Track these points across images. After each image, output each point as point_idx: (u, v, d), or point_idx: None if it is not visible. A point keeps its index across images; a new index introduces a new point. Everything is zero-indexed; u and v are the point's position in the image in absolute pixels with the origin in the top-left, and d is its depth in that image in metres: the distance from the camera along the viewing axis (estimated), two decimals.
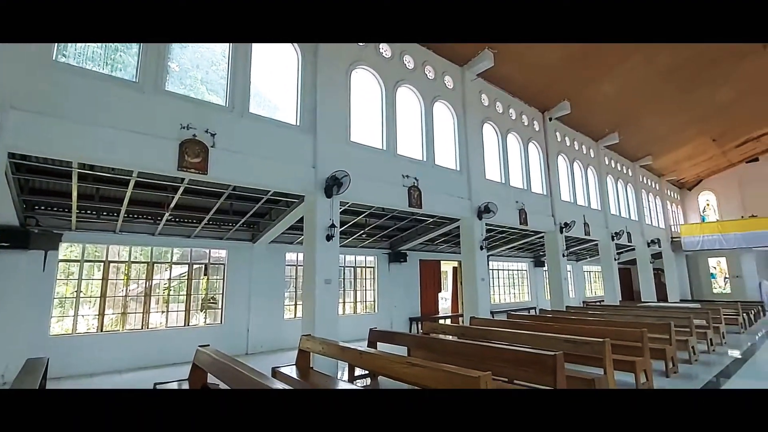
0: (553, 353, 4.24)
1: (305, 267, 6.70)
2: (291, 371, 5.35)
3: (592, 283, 21.51)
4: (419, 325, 11.56)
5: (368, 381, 6.11)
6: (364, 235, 10.40)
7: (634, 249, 16.73)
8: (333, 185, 6.45)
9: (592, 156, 14.68)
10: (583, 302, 17.79)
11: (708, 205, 21.66)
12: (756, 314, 14.22)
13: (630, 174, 17.15)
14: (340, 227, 7.14)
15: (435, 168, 8.76)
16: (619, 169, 16.49)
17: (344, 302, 11.05)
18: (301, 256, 9.38)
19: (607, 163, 15.47)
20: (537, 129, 12.16)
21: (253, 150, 5.97)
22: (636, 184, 17.29)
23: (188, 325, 8.46)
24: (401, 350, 6.01)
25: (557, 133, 12.88)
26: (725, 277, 20.77)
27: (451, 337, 7.24)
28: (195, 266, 8.89)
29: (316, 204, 6.49)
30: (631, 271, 20.26)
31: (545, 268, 14.38)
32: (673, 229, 19.96)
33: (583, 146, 14.26)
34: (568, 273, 18.01)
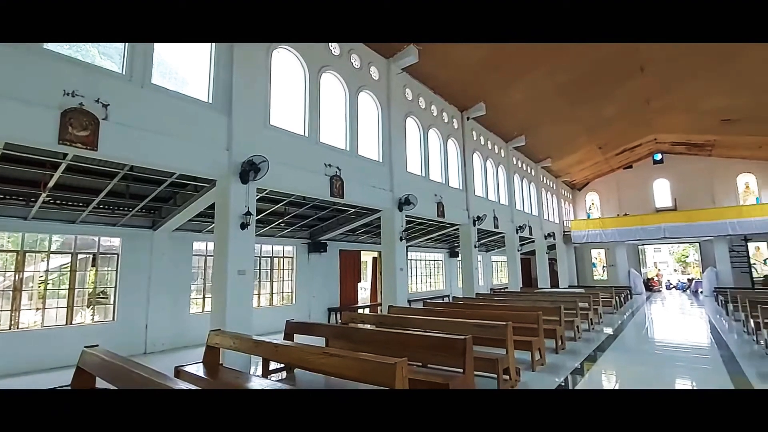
0: (463, 337, 4.52)
1: (216, 257, 6.22)
2: (197, 369, 4.94)
3: (499, 272, 23.51)
4: (338, 316, 11.55)
5: (284, 375, 5.93)
6: (282, 224, 10.02)
7: (534, 241, 18.61)
8: (250, 170, 6.06)
9: (503, 155, 15.92)
10: (491, 289, 19.36)
11: (593, 204, 24.94)
12: (625, 297, 16.85)
13: (533, 174, 18.98)
14: (257, 215, 6.76)
15: (358, 158, 8.73)
16: (525, 168, 18.14)
17: (260, 294, 10.58)
18: (211, 245, 8.70)
19: (515, 162, 16.90)
20: (456, 127, 12.79)
21: (155, 126, 5.32)
22: (538, 183, 19.20)
23: (71, 323, 7.36)
24: (320, 341, 5.93)
25: (473, 132, 13.70)
26: (603, 266, 24.20)
27: (369, 326, 7.33)
28: (80, 256, 7.75)
29: (230, 190, 6.04)
30: (530, 261, 22.54)
31: (459, 258, 15.31)
32: (565, 224, 22.63)
33: (495, 146, 15.38)
34: (479, 263, 19.42)
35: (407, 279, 12.10)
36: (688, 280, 23.78)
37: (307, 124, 7.67)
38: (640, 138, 19.48)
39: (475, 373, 4.76)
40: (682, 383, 5.77)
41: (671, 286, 24.77)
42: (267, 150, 6.36)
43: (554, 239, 20.13)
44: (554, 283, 20.42)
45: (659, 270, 29.02)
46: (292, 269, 11.47)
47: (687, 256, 29.55)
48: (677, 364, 6.95)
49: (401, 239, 9.30)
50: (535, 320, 6.65)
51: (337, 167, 7.95)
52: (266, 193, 7.53)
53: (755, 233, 17.78)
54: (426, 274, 17.60)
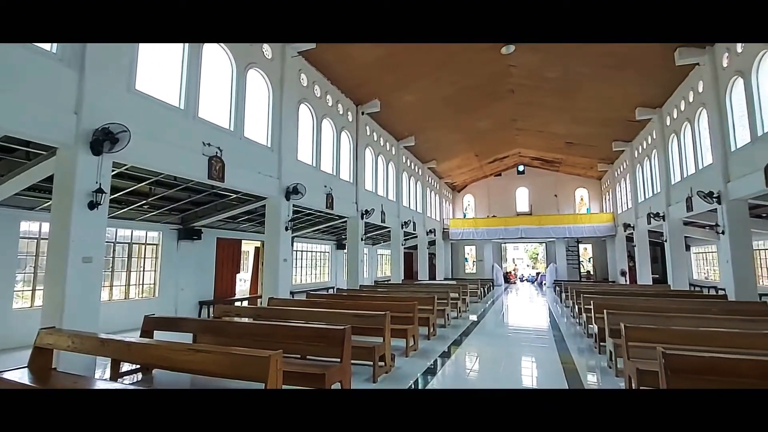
0: (342, 327, 4.56)
1: (52, 241, 5.12)
2: (21, 376, 4.02)
3: (384, 265, 24.55)
4: (211, 309, 10.64)
5: (139, 376, 5.20)
6: (146, 206, 8.78)
7: (416, 236, 19.89)
8: (105, 140, 5.12)
9: (394, 153, 16.59)
10: (375, 281, 20.11)
11: (469, 205, 27.75)
12: (488, 288, 19.21)
13: (420, 173, 20.23)
14: (112, 194, 5.78)
15: (243, 141, 8.12)
16: (413, 167, 19.22)
17: (112, 286, 9.13)
18: (46, 226, 7.13)
19: (404, 161, 17.76)
20: (350, 120, 12.85)
21: None
22: (424, 183, 20.55)
23: None
24: (186, 338, 5.37)
25: (367, 128, 13.95)
26: (473, 261, 27.17)
27: (246, 319, 6.92)
28: None
29: (77, 161, 5.02)
30: (413, 255, 24.05)
31: (346, 250, 15.51)
32: (444, 222, 24.71)
33: (387, 143, 15.94)
34: (365, 255, 19.95)
35: (291, 270, 11.77)
36: (537, 274, 28.18)
37: (183, 94, 6.83)
38: (508, 150, 22.32)
39: (353, 361, 4.85)
40: (525, 358, 6.78)
41: (524, 279, 29.07)
42: (130, 119, 5.46)
43: (435, 235, 21.81)
44: (432, 275, 22.17)
45: (516, 265, 33.82)
46: (155, 258, 10.14)
47: (537, 254, 35.06)
48: (522, 343, 8.16)
49: (287, 229, 8.98)
50: (411, 310, 7.08)
51: (219, 148, 7.27)
52: (126, 169, 6.49)
53: (584, 237, 22.14)
54: (312, 266, 17.41)
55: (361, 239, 12.87)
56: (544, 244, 27.04)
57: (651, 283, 15.35)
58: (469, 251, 27.42)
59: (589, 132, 16.94)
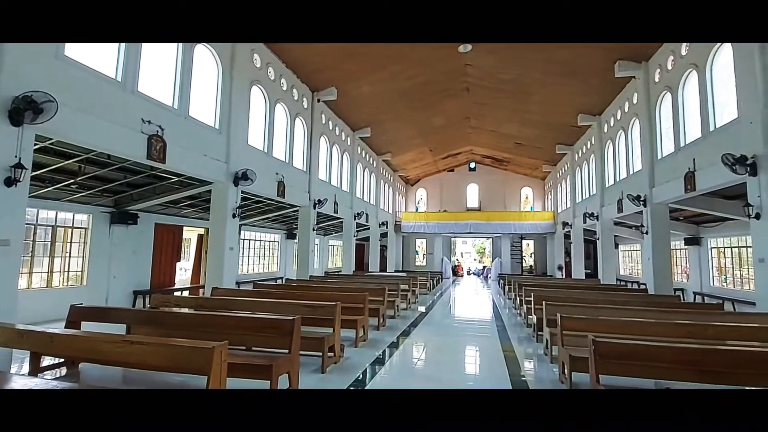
0: (291, 318, 4.46)
1: None
2: None
3: (335, 256, 24.40)
4: (147, 299, 9.97)
5: (63, 371, 4.76)
6: (74, 186, 7.99)
7: (369, 228, 19.94)
8: (26, 110, 4.56)
9: (349, 143, 16.43)
10: (325, 272, 19.94)
11: (421, 199, 28.28)
12: (437, 280, 19.78)
13: (375, 165, 20.24)
14: (35, 170, 5.19)
15: (188, 120, 7.62)
16: (368, 159, 19.18)
17: (31, 272, 8.25)
18: None
19: (359, 152, 17.66)
20: (305, 107, 12.52)
21: None
22: (378, 175, 20.59)
23: None
24: (119, 329, 4.98)
25: (323, 115, 13.67)
26: (424, 254, 27.80)
27: (187, 309, 6.56)
28: None
29: None
30: (364, 246, 24.13)
31: (296, 240, 15.21)
32: (397, 215, 25.00)
33: (343, 133, 15.75)
34: (316, 246, 19.70)
35: (238, 260, 11.32)
36: (483, 267, 29.44)
37: (121, 65, 6.25)
38: (461, 147, 22.97)
39: (301, 352, 4.77)
40: (470, 347, 7.07)
41: (471, 272, 30.26)
42: (57, 88, 4.91)
43: (387, 228, 22.01)
44: (383, 267, 22.39)
45: (463, 259, 35.12)
46: (84, 243, 9.29)
47: (484, 248, 36.58)
48: (467, 333, 8.51)
49: (234, 216, 8.60)
50: (362, 300, 7.09)
51: (160, 126, 6.76)
52: (52, 144, 5.85)
53: (527, 233, 23.47)
54: (260, 255, 16.89)
55: (313, 229, 12.67)
56: (491, 239, 28.27)
57: (584, 278, 16.64)
58: (420, 244, 28.01)
59: (536, 134, 17.87)
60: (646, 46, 9.90)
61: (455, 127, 18.79)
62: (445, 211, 25.62)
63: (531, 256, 26.52)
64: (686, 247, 13.84)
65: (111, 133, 5.93)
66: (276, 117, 10.89)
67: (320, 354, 5.22)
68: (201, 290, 11.41)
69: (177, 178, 8.62)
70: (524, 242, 25.89)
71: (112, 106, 5.99)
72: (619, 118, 12.60)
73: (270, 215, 13.89)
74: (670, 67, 9.42)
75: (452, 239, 28.18)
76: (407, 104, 14.85)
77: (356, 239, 17.70)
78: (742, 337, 5.16)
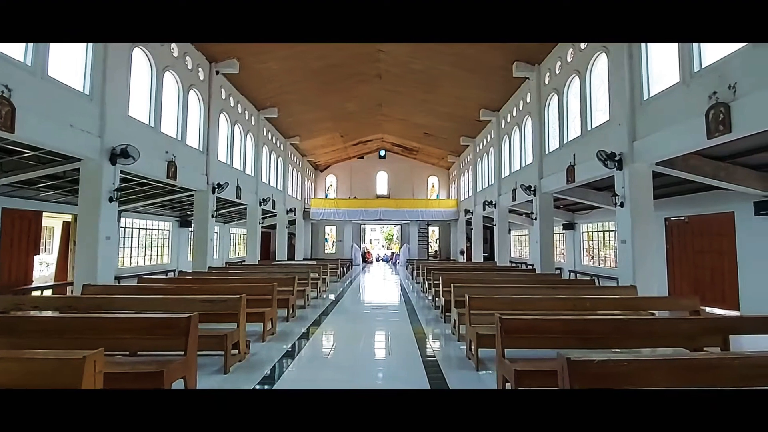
0: (187, 315, 3.89)
1: None
2: None
3: (237, 245, 22.77)
4: None
5: None
6: None
7: (276, 215, 18.95)
8: None
9: (253, 123, 15.24)
10: (226, 263, 18.48)
11: (331, 185, 27.83)
12: (347, 268, 19.75)
13: (282, 148, 19.20)
14: None
15: (47, 81, 6.16)
16: (274, 142, 18.08)
17: None
18: None
19: (265, 133, 16.52)
20: (202, 78, 11.17)
21: None
22: (285, 159, 19.58)
23: None
24: None
25: (222, 90, 12.38)
26: (333, 241, 27.55)
27: (51, 312, 5.41)
28: None
29: None
30: (271, 235, 22.98)
31: (192, 228, 13.74)
32: (306, 201, 24.23)
33: (246, 111, 14.52)
34: (216, 234, 18.12)
35: (117, 251, 9.78)
36: (392, 254, 30.31)
37: None
38: (372, 134, 23.06)
39: (200, 352, 4.23)
40: (383, 332, 7.09)
41: (380, 258, 30.95)
42: None
43: (295, 215, 21.18)
44: (291, 256, 21.58)
45: (372, 245, 35.79)
46: None
47: (392, 235, 37.72)
48: (379, 318, 8.56)
49: (112, 200, 7.29)
50: (269, 291, 6.61)
51: (6, 86, 5.33)
52: None
53: (434, 220, 24.77)
54: (147, 246, 14.90)
55: (212, 216, 11.49)
56: (399, 226, 29.16)
57: (482, 260, 18.13)
58: (330, 231, 27.68)
59: (443, 125, 18.71)
60: (539, 51, 10.89)
61: (367, 114, 18.72)
62: (355, 198, 25.62)
63: (436, 242, 28.07)
64: (563, 231, 15.90)
65: None
66: (165, 87, 9.50)
67: (222, 352, 4.69)
68: (69, 288, 9.60)
69: (32, 153, 6.98)
70: (430, 228, 27.27)
71: None
72: (514, 115, 13.77)
73: (158, 200, 12.23)
74: (557, 72, 10.50)
75: (362, 226, 28.38)
76: (318, 86, 14.26)
77: (262, 227, 16.63)
78: (610, 307, 6.00)
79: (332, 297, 11.32)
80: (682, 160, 7.22)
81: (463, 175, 22.44)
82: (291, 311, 7.88)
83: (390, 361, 5.50)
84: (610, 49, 8.11)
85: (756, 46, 5.08)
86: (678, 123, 6.26)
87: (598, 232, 14.47)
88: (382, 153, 26.59)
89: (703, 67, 6.01)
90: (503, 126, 14.95)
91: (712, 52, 5.93)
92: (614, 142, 7.70)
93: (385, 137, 23.79)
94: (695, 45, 6.16)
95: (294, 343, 6.11)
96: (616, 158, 7.49)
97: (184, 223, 16.07)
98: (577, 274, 14.53)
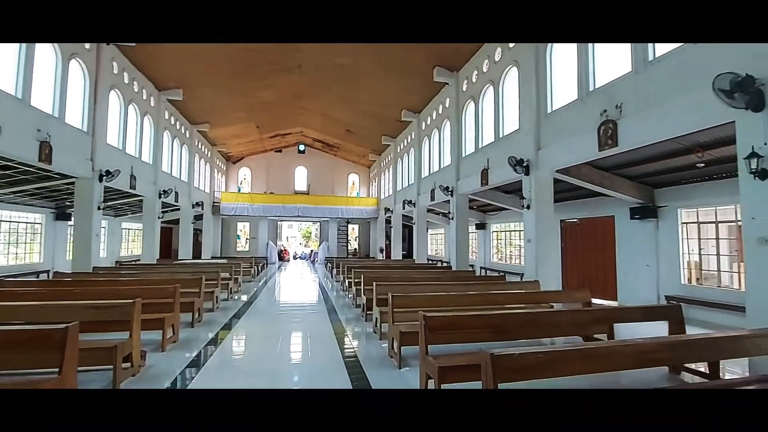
0: (64, 326, 3.20)
1: None
2: None
3: (131, 242, 20.16)
4: None
5: None
6: None
7: (179, 209, 17.14)
8: None
9: (153, 105, 13.54)
10: (117, 262, 16.22)
11: (245, 178, 26.11)
12: (262, 266, 18.66)
13: (188, 136, 17.41)
14: None
15: None
16: (178, 127, 16.30)
17: None
18: None
19: (167, 117, 14.79)
20: (87, 47, 9.54)
21: None
22: (192, 147, 17.79)
23: None
24: None
25: (114, 63, 10.73)
26: (247, 238, 25.91)
27: None
28: None
29: None
30: (172, 230, 20.77)
31: (72, 222, 11.72)
32: (215, 195, 22.38)
33: (144, 90, 12.82)
34: (103, 230, 15.80)
35: None
36: (311, 252, 29.47)
37: None
38: (291, 128, 22.14)
39: (83, 368, 3.55)
40: (301, 333, 6.74)
41: (297, 256, 29.93)
42: None
43: (202, 209, 19.41)
44: (197, 254, 19.75)
45: (289, 243, 34.51)
46: None
47: (310, 233, 36.78)
48: (297, 319, 8.16)
49: None
50: (171, 294, 5.85)
51: None
52: None
53: (354, 217, 24.67)
54: (11, 242, 12.36)
55: (99, 208, 9.88)
56: (318, 223, 28.52)
57: (401, 258, 18.54)
58: (243, 228, 25.99)
59: (365, 124, 18.69)
60: (458, 59, 11.40)
61: (286, 106, 17.87)
62: (271, 193, 24.38)
63: (356, 240, 28.05)
64: (476, 231, 16.99)
65: None
66: (36, 54, 7.87)
67: (111, 367, 3.98)
68: None
69: None
70: (350, 226, 27.16)
71: None
72: (434, 118, 14.29)
73: (27, 187, 10.19)
74: (474, 80, 11.11)
75: (278, 223, 27.17)
76: (232, 70, 13.15)
77: (162, 222, 14.89)
78: (518, 300, 6.47)
79: (245, 298, 10.55)
80: (576, 169, 8.13)
81: (384, 174, 22.75)
82: (197, 315, 7.10)
83: (310, 363, 5.22)
84: (520, 63, 8.78)
85: (638, 72, 5.87)
86: (576, 135, 6.98)
87: (506, 231, 15.75)
88: (302, 148, 25.74)
89: (596, 87, 6.78)
90: (423, 128, 15.44)
91: (604, 74, 6.73)
92: (523, 150, 8.35)
93: (305, 131, 23.05)
94: (591, 66, 6.94)
95: (200, 351, 5.48)
96: (524, 164, 8.14)
97: (62, 215, 13.64)
98: (487, 271, 15.64)
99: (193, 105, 15.53)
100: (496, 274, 12.89)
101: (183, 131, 16.80)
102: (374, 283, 6.84)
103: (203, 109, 16.38)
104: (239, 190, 25.05)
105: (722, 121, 4.57)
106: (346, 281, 11.07)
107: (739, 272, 7.70)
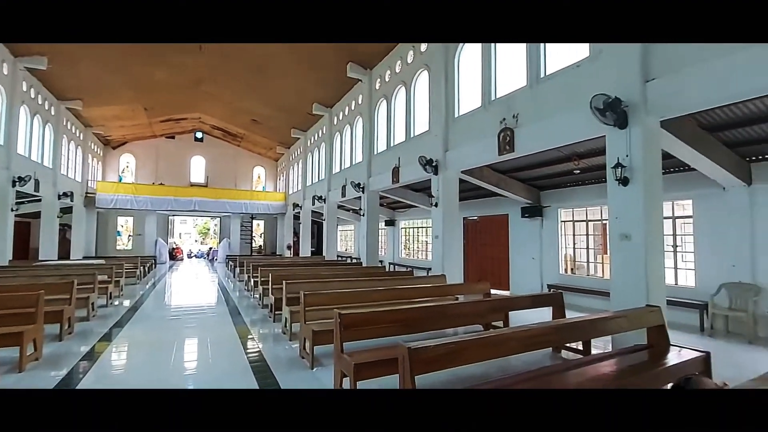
0: None
1: None
2: None
3: None
4: None
5: None
6: None
7: (41, 200, 14.32)
8: None
9: (6, 73, 11.05)
10: None
11: (128, 166, 22.87)
12: (150, 266, 16.55)
13: (53, 113, 14.60)
14: None
15: None
16: (41, 102, 13.58)
17: None
18: None
19: (25, 89, 12.22)
20: None
21: None
22: (58, 127, 14.97)
23: None
24: None
25: None
26: (130, 235, 22.78)
27: None
28: None
29: None
30: (31, 225, 17.33)
31: None
32: (89, 185, 19.22)
33: None
34: None
35: None
36: (209, 249, 27.05)
37: None
38: (187, 113, 20.02)
39: None
40: (200, 339, 6.10)
41: (192, 255, 27.27)
42: None
43: (72, 200, 16.49)
44: (64, 253, 16.72)
45: (182, 240, 31.27)
46: None
47: (208, 229, 33.76)
48: (193, 323, 7.41)
49: None
50: (33, 303, 4.82)
51: None
52: None
53: (259, 213, 23.18)
54: None
55: None
56: (218, 219, 26.34)
57: (310, 255, 18.09)
58: (124, 223, 22.80)
59: (273, 115, 17.76)
60: (372, 57, 11.48)
61: (183, 89, 16.05)
62: (161, 184, 21.81)
63: (261, 236, 26.58)
64: (386, 227, 17.39)
65: None
66: None
67: None
68: None
69: None
70: (255, 222, 25.62)
71: None
72: (347, 113, 14.21)
73: None
74: (387, 80, 11.32)
75: (170, 218, 24.40)
76: (119, 48, 11.37)
77: (16, 215, 12.26)
78: (426, 294, 6.79)
79: (129, 303, 9.25)
80: (478, 171, 8.82)
81: (293, 168, 21.97)
82: (67, 326, 5.99)
83: (210, 370, 4.77)
84: (431, 68, 9.19)
85: (532, 86, 6.56)
86: (479, 140, 7.55)
87: (414, 228, 16.41)
88: (199, 135, 23.52)
89: (498, 97, 7.41)
90: (335, 123, 15.26)
91: (505, 86, 7.39)
92: (432, 150, 8.76)
93: (204, 118, 21.07)
94: (493, 77, 7.56)
95: (71, 369, 4.62)
96: (434, 164, 8.54)
97: None
98: (396, 266, 16.13)
99: (63, 77, 13.08)
100: (405, 269, 13.36)
101: (46, 107, 14.05)
102: (284, 281, 6.53)
103: (77, 84, 13.90)
104: (120, 180, 21.92)
105: (596, 135, 5.34)
106: (251, 280, 10.42)
107: (603, 263, 9.17)
